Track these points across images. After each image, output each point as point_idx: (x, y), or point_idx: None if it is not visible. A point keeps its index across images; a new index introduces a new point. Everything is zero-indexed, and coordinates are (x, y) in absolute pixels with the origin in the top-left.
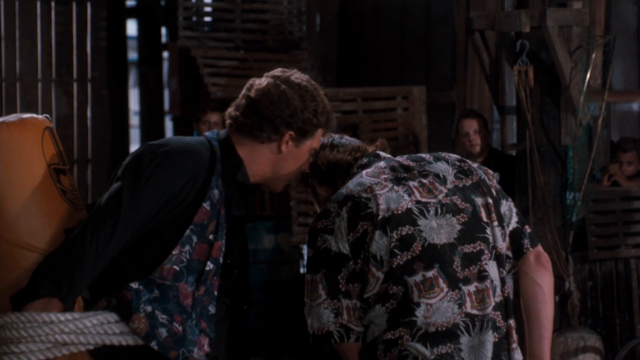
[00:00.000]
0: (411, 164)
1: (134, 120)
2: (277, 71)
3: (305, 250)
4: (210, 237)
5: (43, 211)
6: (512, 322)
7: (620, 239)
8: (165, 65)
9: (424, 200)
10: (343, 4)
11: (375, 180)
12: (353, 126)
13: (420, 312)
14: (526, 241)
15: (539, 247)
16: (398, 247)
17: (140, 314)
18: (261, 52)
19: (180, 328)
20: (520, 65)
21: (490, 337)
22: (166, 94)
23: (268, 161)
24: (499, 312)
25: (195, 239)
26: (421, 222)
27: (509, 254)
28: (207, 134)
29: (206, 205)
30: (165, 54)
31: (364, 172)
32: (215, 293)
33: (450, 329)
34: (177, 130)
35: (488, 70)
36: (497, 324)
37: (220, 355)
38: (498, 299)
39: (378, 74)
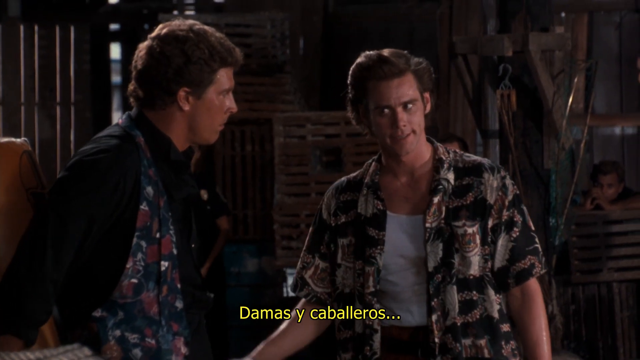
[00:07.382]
0: None
1: None
2: (158, 28)
3: (288, 273)
4: (157, 235)
5: (20, 237)
6: None
7: (602, 263)
8: None
9: None
10: (327, 28)
11: None
12: (336, 150)
13: None
14: None
15: None
16: None
17: (111, 342)
18: (244, 75)
19: (152, 341)
20: (502, 89)
21: None
22: None
23: (181, 124)
24: None
25: (144, 243)
26: None
27: None
28: (121, 122)
29: (143, 206)
30: None
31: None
32: (178, 286)
33: None
34: None
35: (471, 94)
36: None
37: (196, 346)
38: None
39: None
